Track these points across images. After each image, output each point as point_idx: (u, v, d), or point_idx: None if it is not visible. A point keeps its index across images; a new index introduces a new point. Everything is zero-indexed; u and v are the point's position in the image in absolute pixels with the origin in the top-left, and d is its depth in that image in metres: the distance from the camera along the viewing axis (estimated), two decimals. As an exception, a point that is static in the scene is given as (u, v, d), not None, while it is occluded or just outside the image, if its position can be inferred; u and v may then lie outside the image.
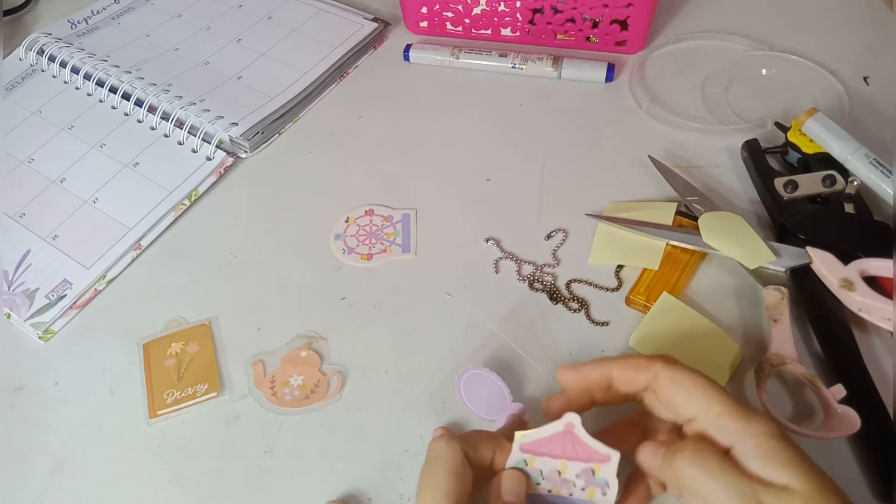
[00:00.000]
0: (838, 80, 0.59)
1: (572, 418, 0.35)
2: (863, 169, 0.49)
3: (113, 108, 0.63)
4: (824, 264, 0.44)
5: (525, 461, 0.35)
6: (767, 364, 0.41)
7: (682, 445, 0.33)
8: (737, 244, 0.46)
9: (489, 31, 0.66)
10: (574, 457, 0.35)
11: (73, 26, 0.70)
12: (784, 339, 0.42)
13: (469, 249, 0.51)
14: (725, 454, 0.32)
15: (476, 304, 0.48)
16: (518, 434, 0.35)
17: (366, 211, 0.54)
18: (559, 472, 0.35)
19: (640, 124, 0.58)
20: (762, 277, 0.46)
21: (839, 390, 0.39)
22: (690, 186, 0.51)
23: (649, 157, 0.54)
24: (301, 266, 0.52)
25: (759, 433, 0.32)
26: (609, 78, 0.61)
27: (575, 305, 0.47)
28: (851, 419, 0.38)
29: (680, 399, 0.34)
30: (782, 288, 0.45)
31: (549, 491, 0.35)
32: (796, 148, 0.52)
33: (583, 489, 0.35)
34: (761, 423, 0.32)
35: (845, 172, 0.49)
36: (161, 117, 0.61)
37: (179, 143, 0.59)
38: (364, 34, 0.67)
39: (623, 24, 0.62)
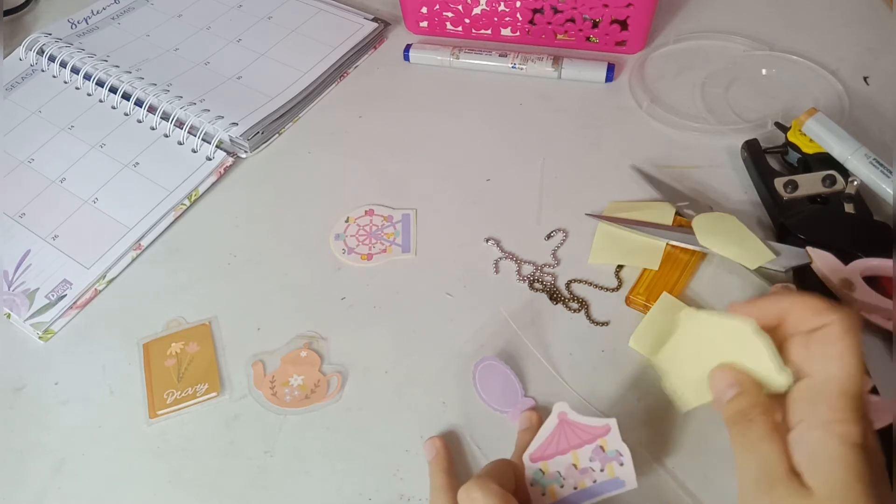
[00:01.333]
0: (838, 80, 0.59)
1: (561, 407, 0.36)
2: (863, 169, 0.49)
3: (113, 108, 0.63)
4: (824, 264, 0.44)
5: (541, 470, 0.35)
6: None
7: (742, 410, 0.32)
8: (734, 244, 0.46)
9: (489, 31, 0.66)
10: (579, 443, 0.35)
11: (73, 26, 0.70)
12: None
13: (469, 249, 0.51)
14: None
15: (476, 304, 0.48)
16: (526, 453, 0.35)
17: (366, 211, 0.54)
18: (575, 466, 0.35)
19: (640, 124, 0.58)
20: (763, 277, 0.46)
21: (866, 381, 0.39)
22: (679, 193, 0.51)
23: (632, 167, 0.54)
24: (301, 266, 0.52)
25: (833, 432, 0.29)
26: (609, 78, 0.61)
27: (575, 305, 0.47)
28: (886, 408, 0.38)
29: (817, 358, 0.31)
30: (790, 285, 0.44)
31: (575, 488, 0.35)
32: (796, 148, 0.52)
33: (602, 470, 0.35)
34: (845, 426, 0.29)
35: (845, 172, 0.49)
36: (161, 117, 0.61)
37: (179, 143, 0.59)
38: (364, 34, 0.67)
39: (623, 24, 0.61)
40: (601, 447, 0.36)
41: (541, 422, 0.40)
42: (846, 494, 0.28)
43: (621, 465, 0.35)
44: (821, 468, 0.29)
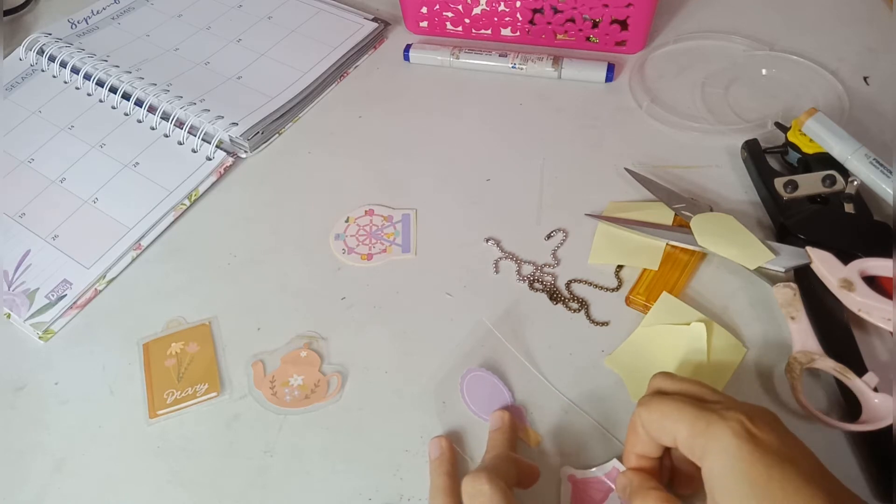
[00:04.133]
0: (838, 80, 0.59)
1: (567, 471, 0.39)
2: (863, 169, 0.49)
3: (113, 108, 0.63)
4: (824, 264, 0.44)
5: None
6: (797, 363, 0.41)
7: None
8: (733, 244, 0.46)
9: (489, 31, 0.66)
10: (603, 496, 0.38)
11: (73, 26, 0.70)
12: (806, 336, 0.42)
13: (469, 249, 0.51)
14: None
15: (476, 304, 0.48)
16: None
17: (366, 211, 0.54)
18: None
19: (640, 124, 0.58)
20: (763, 277, 0.46)
21: (871, 378, 0.39)
22: (679, 193, 0.51)
23: (626, 169, 0.54)
24: (301, 266, 0.52)
25: (715, 451, 0.31)
26: (609, 78, 0.61)
27: (575, 305, 0.47)
28: (891, 406, 0.38)
29: (657, 433, 0.34)
30: (792, 284, 0.44)
31: None
32: (796, 148, 0.52)
33: None
34: (719, 441, 0.31)
35: (845, 172, 0.49)
36: (161, 117, 0.61)
37: (179, 143, 0.59)
38: (364, 34, 0.67)
39: (623, 24, 0.62)
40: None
41: (513, 421, 0.41)
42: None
43: None
44: (728, 489, 0.30)
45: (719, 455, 0.31)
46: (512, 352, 0.45)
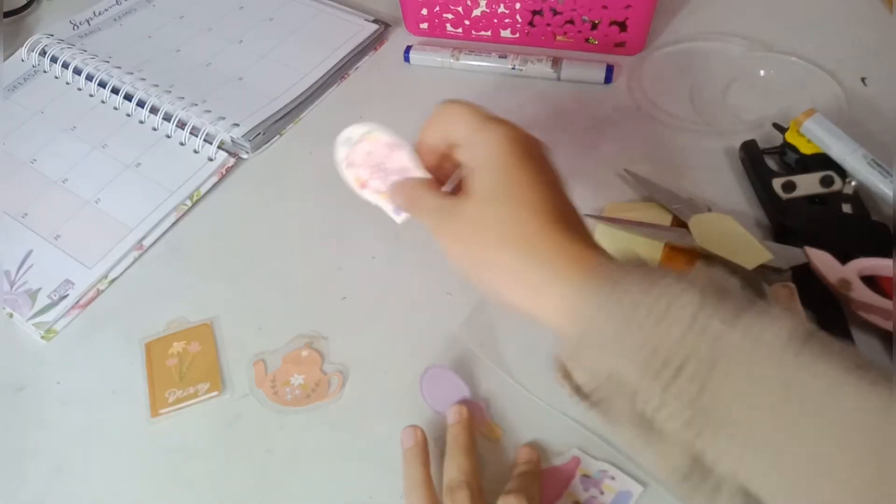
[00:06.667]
0: (837, 81, 0.59)
1: None
2: (861, 169, 0.49)
3: (115, 108, 0.63)
4: (822, 264, 0.44)
5: None
6: None
7: None
8: (731, 245, 0.46)
9: (489, 33, 0.66)
10: (564, 484, 0.39)
11: (75, 27, 0.71)
12: None
13: (469, 250, 0.51)
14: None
15: (476, 304, 0.48)
16: None
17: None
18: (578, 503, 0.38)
19: (639, 125, 0.58)
20: (763, 276, 0.46)
21: None
22: (673, 195, 0.51)
23: (625, 170, 0.54)
24: (302, 266, 0.52)
25: (484, 142, 0.37)
26: (608, 79, 0.61)
27: (574, 305, 0.47)
28: None
29: (443, 133, 0.40)
30: (790, 284, 0.45)
31: None
32: (794, 149, 0.52)
33: (602, 493, 0.38)
34: (493, 133, 0.37)
35: (843, 173, 0.50)
36: (163, 118, 0.61)
37: (181, 144, 0.60)
38: (365, 36, 0.67)
39: (622, 26, 0.62)
40: (586, 475, 0.38)
41: (470, 414, 0.42)
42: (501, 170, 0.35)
43: (613, 478, 0.36)
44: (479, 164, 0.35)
45: (487, 144, 0.37)
46: (511, 351, 0.45)
